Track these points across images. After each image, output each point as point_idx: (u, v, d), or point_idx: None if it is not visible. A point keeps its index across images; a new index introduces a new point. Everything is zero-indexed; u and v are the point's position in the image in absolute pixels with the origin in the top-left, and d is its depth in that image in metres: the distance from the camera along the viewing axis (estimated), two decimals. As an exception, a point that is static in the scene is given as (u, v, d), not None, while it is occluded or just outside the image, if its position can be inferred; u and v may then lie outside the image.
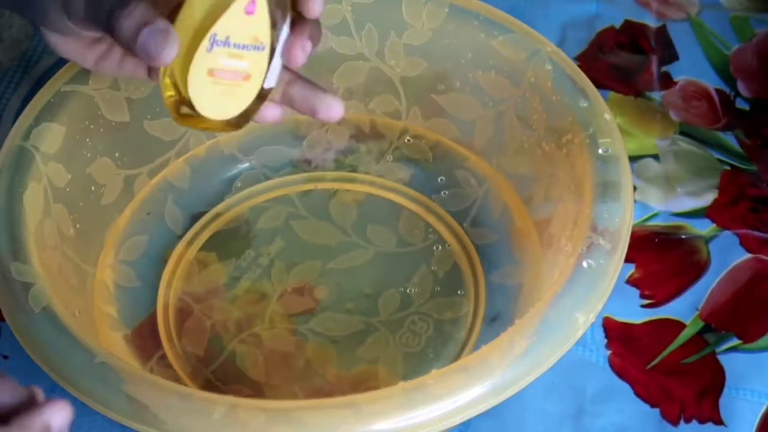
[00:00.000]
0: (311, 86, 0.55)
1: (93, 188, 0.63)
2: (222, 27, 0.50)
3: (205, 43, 0.50)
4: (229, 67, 0.51)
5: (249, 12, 0.50)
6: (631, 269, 0.67)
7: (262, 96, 0.53)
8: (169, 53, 0.49)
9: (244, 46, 0.51)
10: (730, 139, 0.74)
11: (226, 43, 0.50)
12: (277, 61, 0.52)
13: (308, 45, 0.53)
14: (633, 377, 0.62)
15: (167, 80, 0.51)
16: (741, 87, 0.77)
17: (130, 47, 0.50)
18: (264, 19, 0.51)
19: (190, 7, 0.51)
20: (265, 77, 0.52)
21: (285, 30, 0.52)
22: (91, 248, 0.63)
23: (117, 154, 0.64)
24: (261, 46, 0.51)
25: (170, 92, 0.52)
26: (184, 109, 0.52)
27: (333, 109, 0.55)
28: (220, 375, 0.61)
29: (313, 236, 0.67)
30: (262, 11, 0.50)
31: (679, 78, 0.78)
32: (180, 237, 0.67)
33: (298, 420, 0.48)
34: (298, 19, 0.53)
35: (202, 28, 0.50)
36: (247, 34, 0.51)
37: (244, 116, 0.53)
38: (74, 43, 0.54)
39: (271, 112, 0.55)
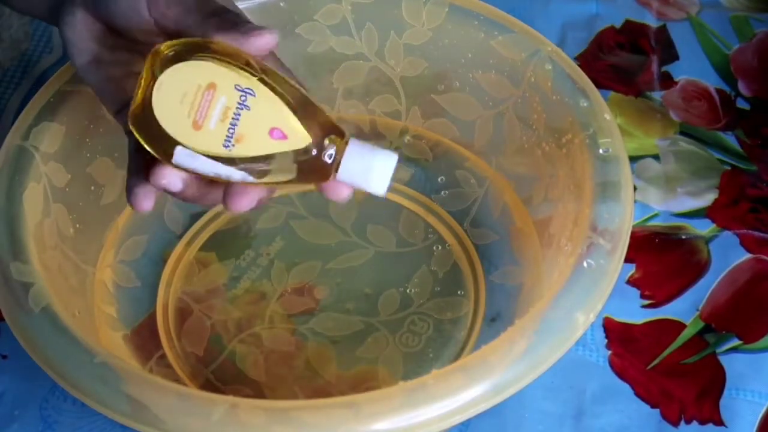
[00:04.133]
0: None
1: (93, 188, 0.63)
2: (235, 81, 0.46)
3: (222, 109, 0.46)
4: (212, 104, 0.46)
5: (275, 137, 0.47)
6: (631, 269, 0.67)
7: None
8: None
9: (235, 123, 0.46)
10: (730, 139, 0.74)
11: (241, 91, 0.46)
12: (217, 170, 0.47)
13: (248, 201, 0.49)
14: (633, 377, 0.62)
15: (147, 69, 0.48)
16: (741, 87, 0.77)
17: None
18: (254, 140, 0.46)
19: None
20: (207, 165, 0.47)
21: (240, 178, 0.47)
22: (91, 248, 0.63)
23: (117, 154, 0.64)
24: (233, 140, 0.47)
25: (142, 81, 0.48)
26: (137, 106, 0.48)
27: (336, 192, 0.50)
28: (220, 375, 0.61)
29: (313, 236, 0.67)
30: (256, 135, 0.47)
31: (680, 78, 0.78)
32: (180, 237, 0.67)
33: (298, 420, 0.48)
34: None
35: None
36: (256, 133, 0.46)
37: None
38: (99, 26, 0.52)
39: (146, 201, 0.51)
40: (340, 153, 0.47)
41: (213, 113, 0.46)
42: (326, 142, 0.47)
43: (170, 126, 0.47)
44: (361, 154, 0.47)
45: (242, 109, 0.46)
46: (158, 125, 0.47)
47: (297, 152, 0.47)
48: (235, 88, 0.46)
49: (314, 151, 0.47)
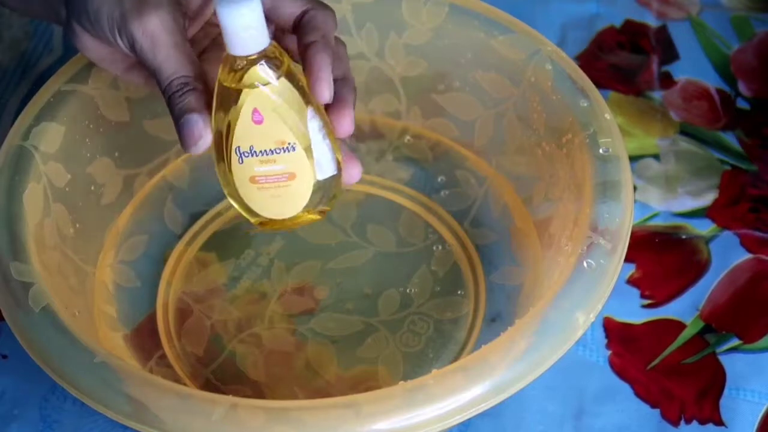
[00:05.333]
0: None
1: (93, 188, 0.63)
2: (240, 139, 0.50)
3: (234, 156, 0.50)
4: (266, 173, 0.50)
5: (257, 122, 0.49)
6: (631, 269, 0.67)
7: (327, 185, 0.52)
8: (196, 149, 0.50)
9: (272, 151, 0.50)
10: (730, 138, 0.74)
11: (251, 152, 0.50)
12: (322, 150, 0.51)
13: (349, 118, 0.52)
14: (633, 377, 0.62)
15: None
16: (741, 87, 0.77)
17: (173, 119, 0.51)
18: (278, 123, 0.49)
19: (216, 120, 0.51)
20: (315, 170, 0.51)
21: (315, 121, 0.51)
22: (90, 248, 0.63)
23: (117, 154, 0.64)
24: (290, 146, 0.50)
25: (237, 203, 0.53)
26: (254, 216, 0.53)
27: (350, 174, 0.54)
28: (220, 375, 0.61)
29: (313, 236, 0.67)
30: (271, 118, 0.49)
31: (680, 78, 0.78)
32: (180, 237, 0.67)
33: (298, 420, 0.48)
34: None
35: (228, 141, 0.50)
36: (268, 140, 0.50)
37: (322, 202, 0.53)
38: (106, 49, 0.54)
39: (351, 174, 0.54)
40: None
41: (271, 169, 0.51)
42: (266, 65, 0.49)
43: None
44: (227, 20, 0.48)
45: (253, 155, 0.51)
46: None
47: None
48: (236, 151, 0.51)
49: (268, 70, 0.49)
